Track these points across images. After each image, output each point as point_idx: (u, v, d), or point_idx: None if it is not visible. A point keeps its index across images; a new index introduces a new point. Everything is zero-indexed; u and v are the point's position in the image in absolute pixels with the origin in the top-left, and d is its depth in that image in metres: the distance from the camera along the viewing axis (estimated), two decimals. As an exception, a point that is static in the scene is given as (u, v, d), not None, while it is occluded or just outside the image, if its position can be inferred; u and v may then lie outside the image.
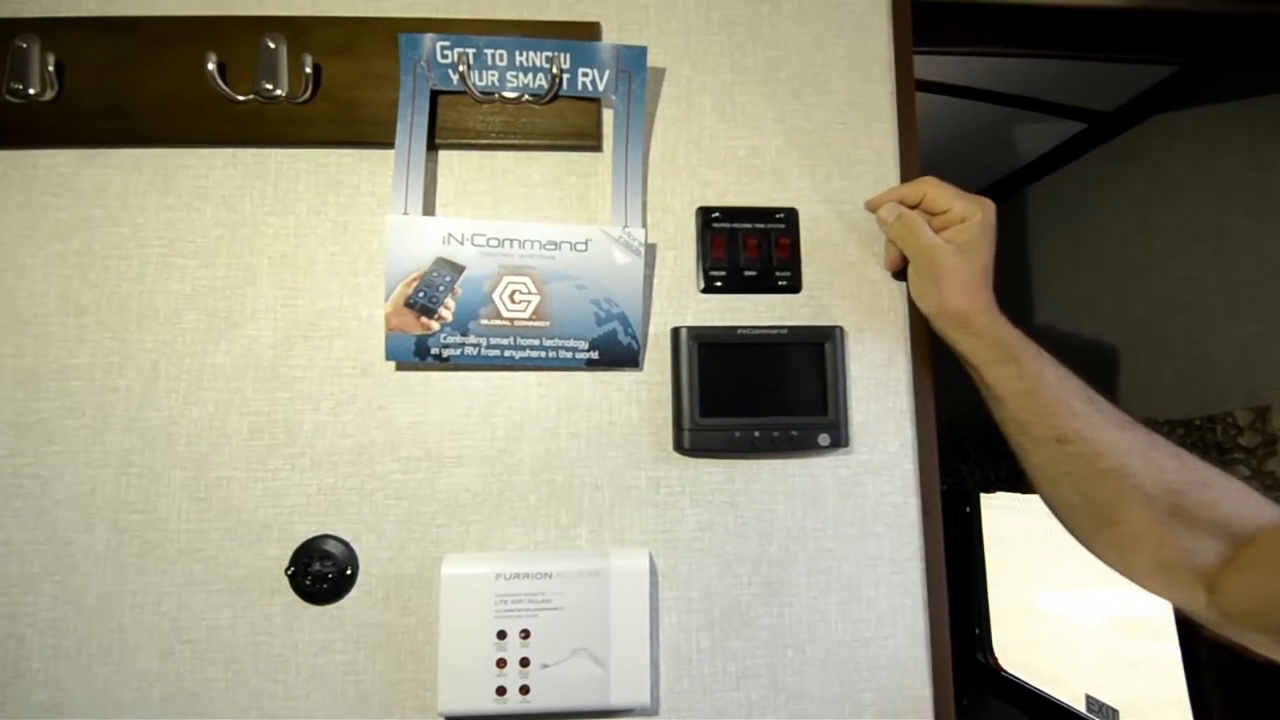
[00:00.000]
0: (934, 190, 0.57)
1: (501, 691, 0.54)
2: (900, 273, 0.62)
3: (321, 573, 0.56)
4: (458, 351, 0.57)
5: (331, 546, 0.57)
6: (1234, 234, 1.07)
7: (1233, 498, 0.50)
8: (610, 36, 0.63)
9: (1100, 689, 1.47)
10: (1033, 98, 1.17)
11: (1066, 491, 0.55)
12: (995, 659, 1.66)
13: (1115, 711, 1.39)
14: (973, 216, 0.56)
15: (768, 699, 0.58)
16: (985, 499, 1.69)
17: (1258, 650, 0.49)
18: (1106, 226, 1.27)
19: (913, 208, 0.59)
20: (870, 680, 0.59)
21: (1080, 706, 1.45)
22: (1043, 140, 1.32)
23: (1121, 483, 0.52)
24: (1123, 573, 0.55)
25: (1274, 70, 0.96)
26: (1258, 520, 0.49)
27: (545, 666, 0.55)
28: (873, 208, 0.61)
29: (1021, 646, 1.71)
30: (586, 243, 0.59)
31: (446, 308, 0.57)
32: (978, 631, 1.66)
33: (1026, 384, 0.55)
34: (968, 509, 1.69)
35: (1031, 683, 1.56)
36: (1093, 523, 0.55)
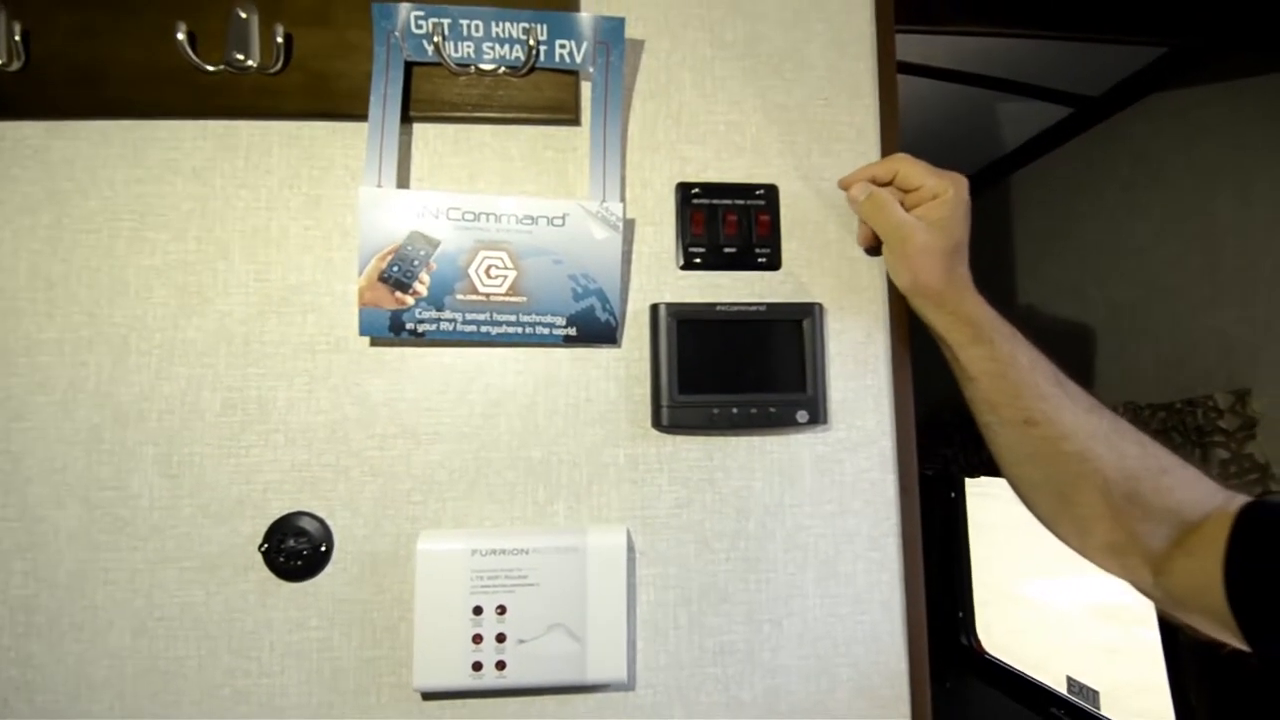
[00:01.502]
0: (906, 167, 0.57)
1: (478, 667, 0.54)
2: (874, 249, 0.62)
3: (296, 549, 0.56)
4: (433, 327, 0.57)
5: (306, 523, 0.56)
6: (1218, 218, 1.07)
7: (1187, 485, 0.52)
8: (588, 7, 0.62)
9: (1082, 673, 1.49)
10: (1019, 81, 1.16)
11: (1030, 471, 0.56)
12: (978, 642, 1.68)
13: (1095, 693, 1.40)
14: (945, 193, 0.55)
15: (745, 674, 0.58)
16: (971, 485, 1.70)
17: (1199, 629, 0.51)
18: (1092, 211, 1.28)
19: (886, 185, 0.58)
20: (846, 655, 0.59)
21: (1062, 689, 1.47)
22: (1029, 124, 1.32)
23: (1082, 465, 0.53)
24: (1079, 551, 0.56)
25: (1259, 53, 0.96)
26: (1206, 505, 0.51)
27: (522, 642, 0.55)
28: (845, 186, 0.61)
29: (1005, 632, 1.73)
30: (564, 217, 0.58)
31: (421, 282, 0.56)
32: (961, 615, 1.68)
33: (999, 366, 0.55)
34: (952, 494, 1.70)
35: (1014, 665, 1.57)
36: (1052, 502, 0.56)
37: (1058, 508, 0.55)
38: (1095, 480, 0.52)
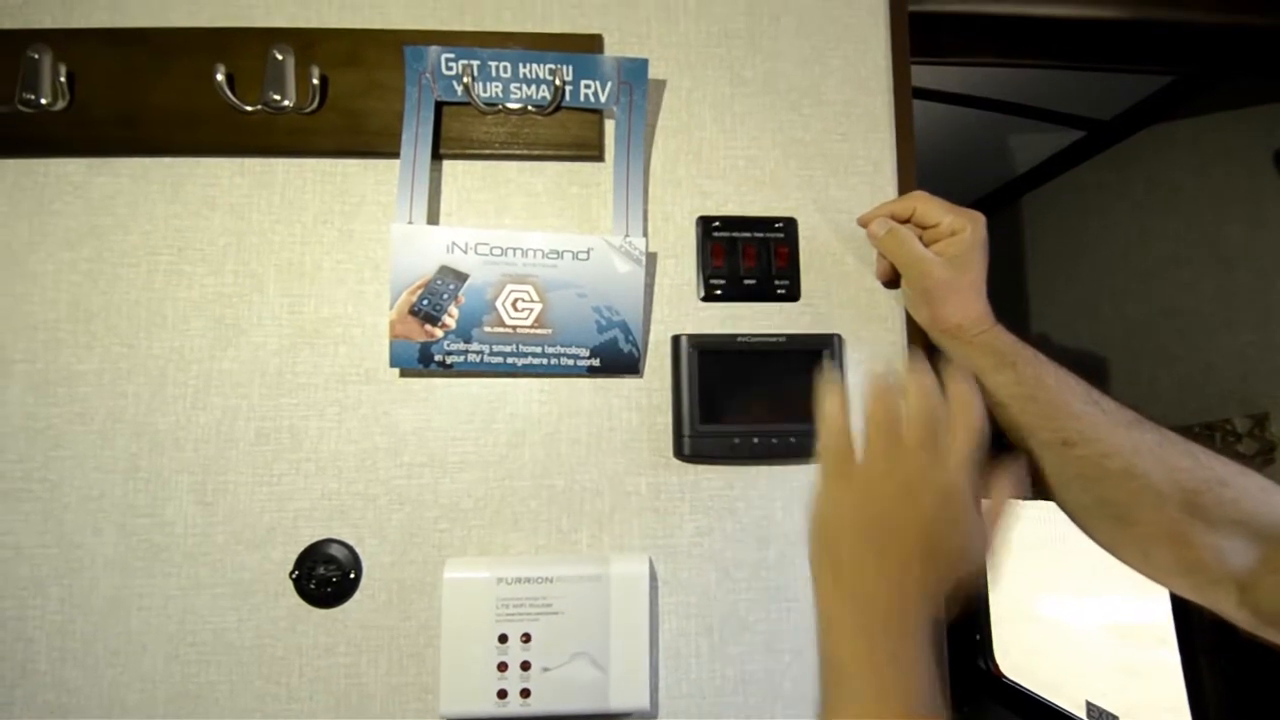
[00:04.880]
0: (924, 205, 0.58)
1: (503, 695, 0.55)
2: (892, 283, 0.63)
3: (325, 576, 0.57)
4: (461, 358, 0.58)
5: (335, 550, 0.58)
6: (1232, 242, 1.07)
7: (1254, 495, 0.49)
8: (612, 49, 0.64)
9: (1101, 695, 1.47)
10: (1031, 106, 1.18)
11: (1078, 494, 0.54)
12: (996, 665, 1.66)
13: (1115, 717, 1.39)
14: (963, 230, 0.56)
15: (766, 704, 0.59)
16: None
17: None
18: (1105, 234, 1.28)
19: (904, 221, 0.59)
20: (867, 685, 0.59)
21: (1080, 713, 1.45)
22: (1041, 148, 1.33)
23: (1130, 483, 0.51)
24: (1148, 575, 0.53)
25: (1267, 81, 0.97)
26: None
27: (546, 670, 0.56)
28: (864, 223, 0.62)
29: (1023, 653, 1.71)
30: (588, 251, 0.59)
31: (450, 315, 0.58)
32: (978, 638, 1.66)
33: (1026, 389, 0.55)
34: (968, 514, 1.69)
35: (1032, 689, 1.56)
36: (1108, 524, 0.54)
37: (1116, 531, 0.53)
38: (1147, 497, 0.50)
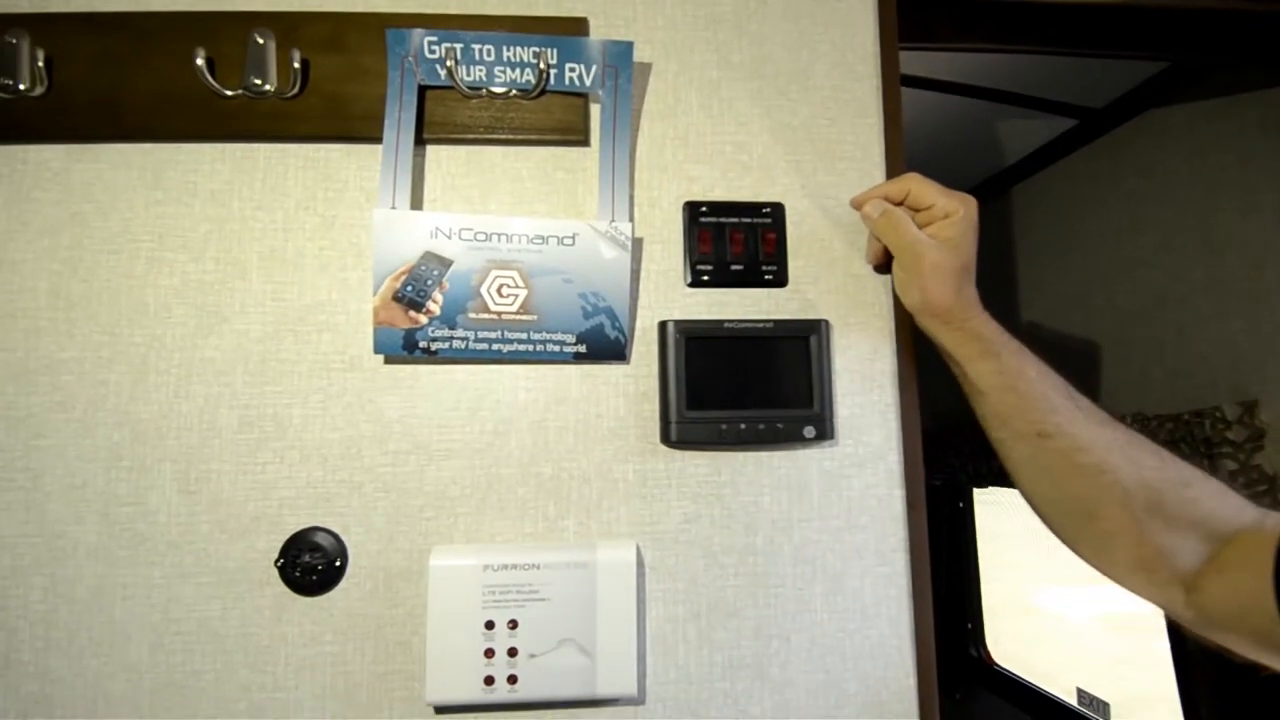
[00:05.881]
0: (918, 186, 0.58)
1: (489, 681, 0.55)
2: (883, 267, 0.63)
3: (310, 565, 0.57)
4: (446, 345, 0.58)
5: (320, 539, 0.57)
6: (1222, 230, 1.07)
7: (1211, 497, 0.50)
8: (598, 32, 0.63)
9: (1093, 685, 1.48)
10: (1023, 94, 1.17)
11: (1046, 487, 0.56)
12: (988, 653, 1.67)
13: (1105, 704, 1.40)
14: (956, 213, 0.56)
15: (753, 689, 0.59)
16: (980, 494, 1.70)
17: (1236, 650, 0.49)
18: (1097, 222, 1.28)
19: (898, 204, 0.59)
20: (854, 670, 0.60)
21: (1072, 700, 1.46)
22: (1033, 136, 1.32)
23: (1100, 479, 0.52)
24: (1102, 570, 0.55)
25: (1262, 68, 0.97)
26: (1236, 521, 0.49)
27: (533, 656, 0.55)
28: (857, 204, 0.62)
29: (1015, 642, 1.72)
30: (574, 237, 0.59)
31: (434, 301, 0.57)
32: (970, 626, 1.67)
33: (1008, 379, 0.55)
34: (960, 504, 1.70)
35: (1024, 677, 1.56)
36: (1072, 519, 0.55)
37: (1079, 525, 0.54)
38: (1115, 493, 0.51)
